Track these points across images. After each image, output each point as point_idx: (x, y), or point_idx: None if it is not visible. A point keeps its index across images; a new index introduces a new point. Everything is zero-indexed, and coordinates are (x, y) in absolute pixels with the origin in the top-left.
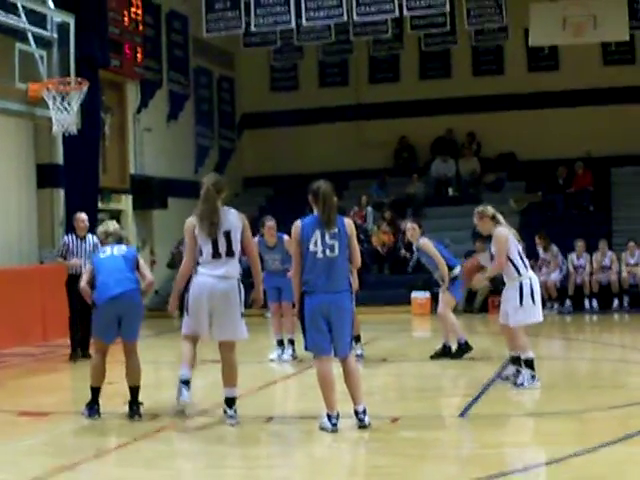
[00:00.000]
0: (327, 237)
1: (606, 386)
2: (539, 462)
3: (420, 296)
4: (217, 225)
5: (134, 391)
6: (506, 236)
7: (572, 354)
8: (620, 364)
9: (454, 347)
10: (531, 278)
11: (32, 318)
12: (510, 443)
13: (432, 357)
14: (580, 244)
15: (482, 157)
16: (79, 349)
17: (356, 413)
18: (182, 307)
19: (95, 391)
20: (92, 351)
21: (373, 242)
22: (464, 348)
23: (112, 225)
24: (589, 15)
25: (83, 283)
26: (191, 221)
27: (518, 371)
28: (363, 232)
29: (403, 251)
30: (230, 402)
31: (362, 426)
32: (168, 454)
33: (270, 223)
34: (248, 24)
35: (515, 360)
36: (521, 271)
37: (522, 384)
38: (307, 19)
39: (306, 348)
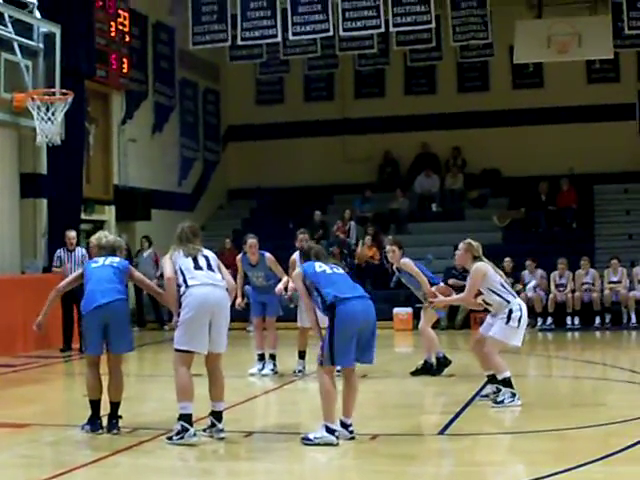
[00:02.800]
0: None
1: (587, 404)
2: None
3: (402, 312)
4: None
5: (114, 406)
6: (484, 272)
7: (553, 372)
8: (601, 382)
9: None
10: (520, 305)
11: (13, 329)
12: (489, 461)
13: (413, 373)
14: (562, 262)
15: (466, 173)
16: (70, 343)
17: (347, 426)
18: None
19: (94, 404)
20: (85, 365)
21: (356, 257)
22: (443, 362)
23: (104, 237)
24: (574, 33)
25: (62, 283)
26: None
27: (498, 389)
28: (347, 247)
29: (388, 266)
30: (219, 416)
31: (352, 437)
32: (147, 469)
33: (252, 241)
34: (234, 37)
35: (492, 379)
36: (509, 299)
37: (502, 402)
38: (293, 33)
39: (333, 362)
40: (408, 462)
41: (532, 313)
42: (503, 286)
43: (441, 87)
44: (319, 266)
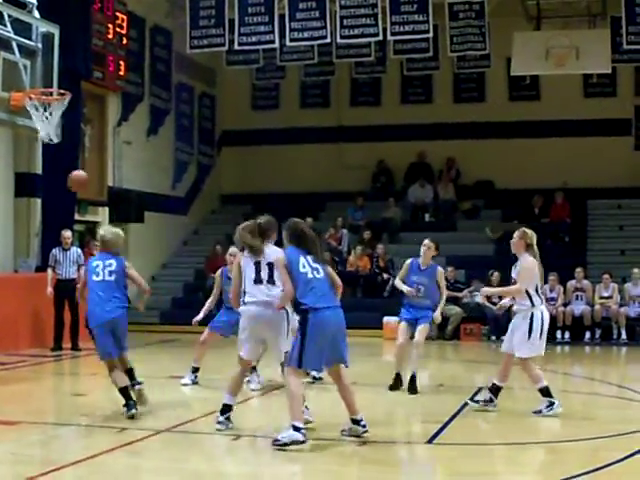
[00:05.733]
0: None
1: (576, 418)
2: None
3: (392, 321)
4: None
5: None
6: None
7: None
8: (590, 397)
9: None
10: (542, 312)
11: (5, 327)
12: (477, 472)
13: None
14: (553, 277)
15: (459, 184)
16: (61, 342)
17: (358, 421)
18: None
19: (124, 390)
20: (107, 370)
21: (348, 265)
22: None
23: (109, 233)
24: (572, 46)
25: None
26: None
27: (491, 399)
28: (338, 254)
29: (383, 274)
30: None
31: (365, 432)
32: (136, 468)
33: (233, 249)
34: (232, 42)
35: (494, 389)
36: (535, 302)
37: (540, 411)
38: (291, 39)
39: (300, 365)
40: (395, 470)
41: None
42: (536, 289)
43: (437, 97)
44: (302, 266)
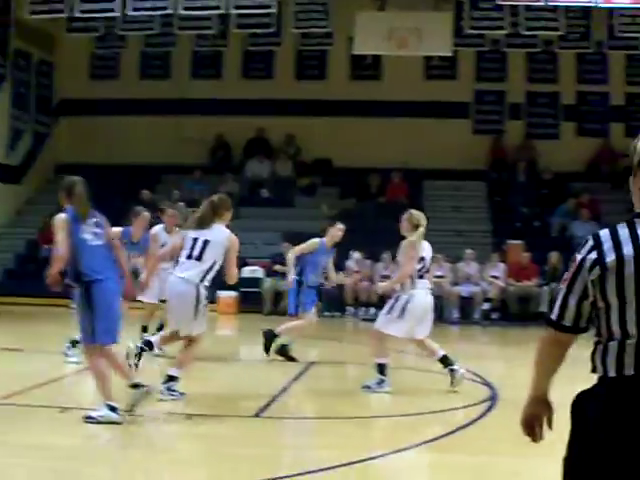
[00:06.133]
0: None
1: (404, 394)
2: (331, 464)
3: (226, 295)
4: None
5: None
6: (414, 244)
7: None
8: (421, 373)
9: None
10: (412, 296)
11: None
12: (301, 445)
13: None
14: (386, 255)
15: (298, 161)
16: None
17: (139, 385)
18: None
19: None
20: None
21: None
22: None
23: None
24: (414, 28)
25: None
26: None
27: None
28: None
29: None
30: None
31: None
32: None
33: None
34: (72, 9)
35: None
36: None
37: (369, 387)
38: (133, 9)
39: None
40: (222, 443)
41: (357, 303)
42: (419, 272)
43: (278, 73)
44: (83, 230)
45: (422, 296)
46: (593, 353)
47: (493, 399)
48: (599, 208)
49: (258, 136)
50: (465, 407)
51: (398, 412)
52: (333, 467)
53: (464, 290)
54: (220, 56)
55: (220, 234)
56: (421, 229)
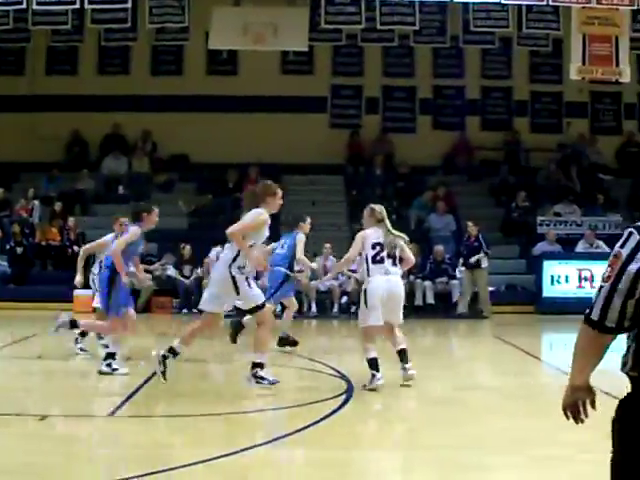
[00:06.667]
0: None
1: (272, 389)
2: (187, 462)
3: (83, 294)
4: None
5: None
6: (363, 236)
7: (236, 358)
8: (282, 369)
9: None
10: (377, 284)
11: None
12: (159, 444)
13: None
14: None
15: (155, 157)
16: None
17: None
18: None
19: None
20: None
21: (37, 237)
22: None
23: None
24: (269, 23)
25: None
26: None
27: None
28: (29, 226)
29: (74, 247)
30: None
31: None
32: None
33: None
34: None
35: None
36: (372, 274)
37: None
38: None
39: None
40: (76, 444)
41: None
42: (374, 259)
43: (134, 69)
44: None
45: (379, 281)
46: (631, 352)
47: (349, 391)
48: (455, 200)
49: (114, 132)
50: (324, 400)
51: (260, 407)
52: (189, 465)
53: (322, 285)
54: (76, 51)
55: None
56: (387, 221)
